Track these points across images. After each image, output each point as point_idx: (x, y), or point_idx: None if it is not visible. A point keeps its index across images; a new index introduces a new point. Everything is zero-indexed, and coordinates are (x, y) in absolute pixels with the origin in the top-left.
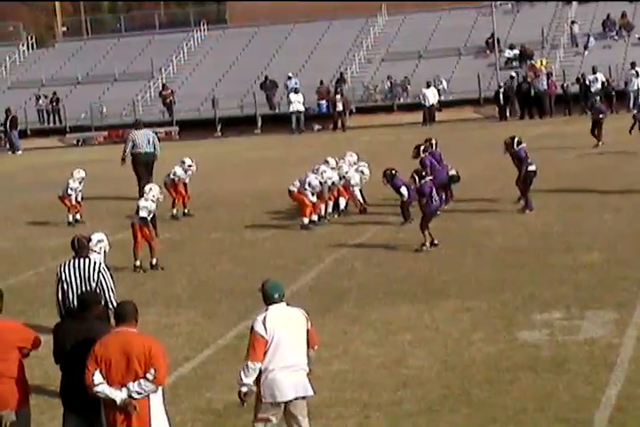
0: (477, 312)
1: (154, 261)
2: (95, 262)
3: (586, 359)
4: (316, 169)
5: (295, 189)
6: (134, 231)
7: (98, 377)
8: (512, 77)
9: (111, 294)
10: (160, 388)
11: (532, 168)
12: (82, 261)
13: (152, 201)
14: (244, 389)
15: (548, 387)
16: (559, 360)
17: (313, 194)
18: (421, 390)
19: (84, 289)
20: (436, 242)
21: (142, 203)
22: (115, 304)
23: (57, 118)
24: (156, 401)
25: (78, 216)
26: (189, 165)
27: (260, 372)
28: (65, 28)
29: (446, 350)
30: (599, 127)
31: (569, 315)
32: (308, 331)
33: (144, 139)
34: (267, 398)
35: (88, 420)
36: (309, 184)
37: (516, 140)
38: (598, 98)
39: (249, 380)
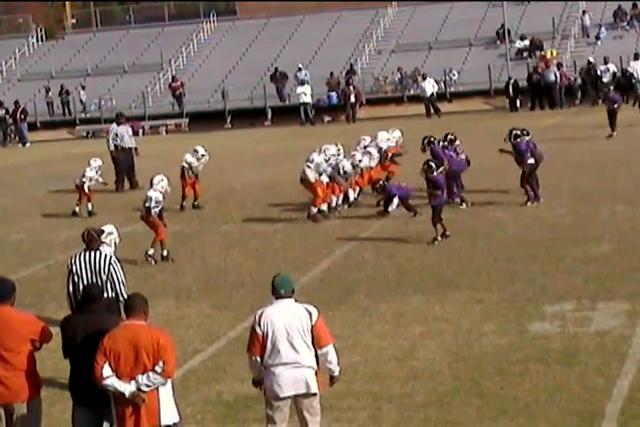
0: (488, 304)
1: (164, 253)
2: (106, 255)
3: (597, 351)
4: (320, 149)
5: (311, 177)
6: (147, 222)
7: (107, 370)
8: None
9: (122, 286)
10: (169, 380)
11: (530, 161)
12: (93, 253)
13: (160, 192)
14: (257, 376)
15: (559, 379)
16: (570, 352)
17: (322, 175)
18: (432, 381)
19: (94, 282)
20: (447, 233)
21: (150, 193)
22: (125, 297)
23: (66, 111)
24: (166, 394)
25: (90, 207)
26: (202, 155)
27: (264, 368)
28: (74, 20)
29: (457, 341)
30: (614, 117)
31: (580, 306)
32: (313, 328)
33: (124, 133)
34: (269, 394)
35: (97, 413)
36: (317, 165)
37: (514, 133)
38: (612, 87)
39: (255, 372)
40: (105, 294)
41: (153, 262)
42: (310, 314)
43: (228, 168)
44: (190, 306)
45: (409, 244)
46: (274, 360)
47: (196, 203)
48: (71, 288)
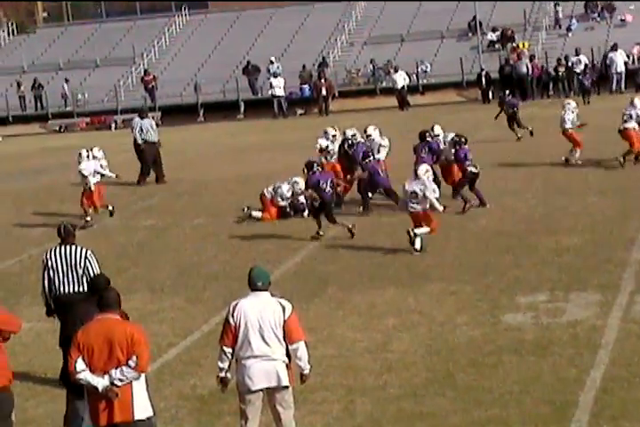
0: (462, 296)
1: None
2: (81, 249)
3: (570, 342)
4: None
5: (268, 195)
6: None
7: (80, 364)
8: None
9: None
10: (143, 375)
11: (472, 169)
12: (68, 248)
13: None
14: (221, 374)
15: (532, 369)
16: (544, 343)
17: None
18: (406, 373)
19: (70, 276)
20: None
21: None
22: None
23: (39, 105)
24: (140, 388)
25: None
26: (333, 135)
27: (236, 360)
28: (46, 14)
29: (431, 333)
30: (513, 121)
31: (553, 297)
32: (285, 323)
33: (149, 127)
34: (241, 387)
35: None
36: (280, 193)
37: (454, 139)
38: (508, 92)
39: (223, 364)
40: (80, 288)
41: None
42: (284, 308)
43: (201, 161)
44: (164, 300)
45: (382, 236)
46: (245, 352)
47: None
48: (47, 283)
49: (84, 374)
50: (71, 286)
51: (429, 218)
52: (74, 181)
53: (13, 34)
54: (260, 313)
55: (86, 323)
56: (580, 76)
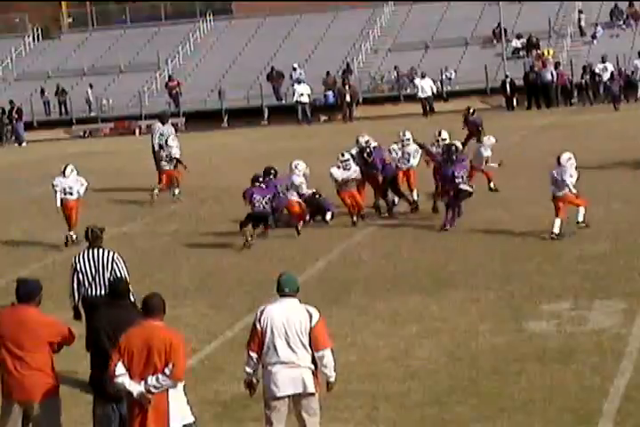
0: (485, 303)
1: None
2: (109, 252)
3: (594, 350)
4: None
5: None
6: None
7: (120, 368)
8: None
9: None
10: (180, 383)
11: (464, 187)
12: (96, 251)
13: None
14: (248, 378)
15: (556, 378)
16: (567, 351)
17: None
18: (429, 381)
19: (97, 279)
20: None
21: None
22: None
23: (63, 110)
24: (176, 396)
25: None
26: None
27: (262, 366)
28: (70, 20)
29: (454, 340)
30: (470, 139)
31: (577, 305)
32: (312, 330)
33: (170, 133)
34: (267, 393)
35: (117, 408)
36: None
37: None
38: (472, 110)
39: (249, 369)
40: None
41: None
42: (311, 316)
43: (225, 168)
44: (187, 305)
45: (405, 243)
46: (271, 358)
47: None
48: (75, 286)
49: (121, 378)
50: (99, 289)
51: (574, 199)
52: (95, 186)
53: (38, 39)
54: (287, 319)
55: (109, 327)
56: (608, 83)
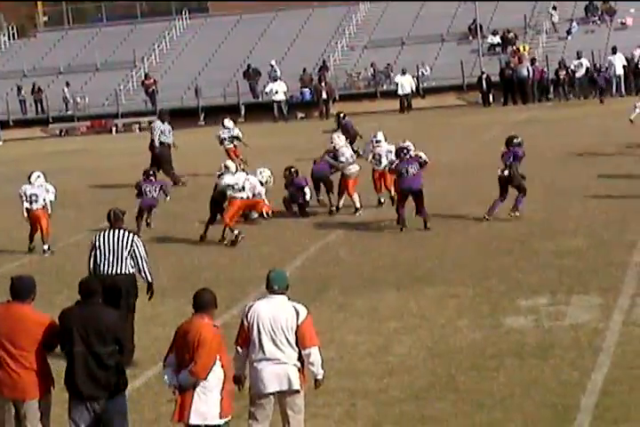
0: (463, 299)
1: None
2: (129, 233)
3: (572, 345)
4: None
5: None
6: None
7: (168, 359)
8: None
9: (144, 263)
10: (219, 380)
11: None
12: (116, 231)
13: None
14: (236, 373)
15: (534, 373)
16: (545, 346)
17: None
18: (408, 377)
19: (113, 257)
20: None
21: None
22: (148, 272)
23: (39, 109)
24: (204, 394)
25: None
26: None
27: (249, 363)
28: (46, 18)
29: (432, 336)
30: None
31: (554, 300)
32: (298, 328)
33: (168, 131)
34: (252, 389)
35: (92, 408)
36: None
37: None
38: (343, 115)
39: (237, 364)
40: (123, 270)
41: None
42: (298, 313)
43: (202, 165)
44: (166, 304)
45: (383, 239)
46: (256, 355)
47: None
48: (92, 264)
49: (166, 369)
50: (113, 267)
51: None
52: (73, 184)
53: (14, 38)
54: (273, 316)
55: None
56: (595, 76)
